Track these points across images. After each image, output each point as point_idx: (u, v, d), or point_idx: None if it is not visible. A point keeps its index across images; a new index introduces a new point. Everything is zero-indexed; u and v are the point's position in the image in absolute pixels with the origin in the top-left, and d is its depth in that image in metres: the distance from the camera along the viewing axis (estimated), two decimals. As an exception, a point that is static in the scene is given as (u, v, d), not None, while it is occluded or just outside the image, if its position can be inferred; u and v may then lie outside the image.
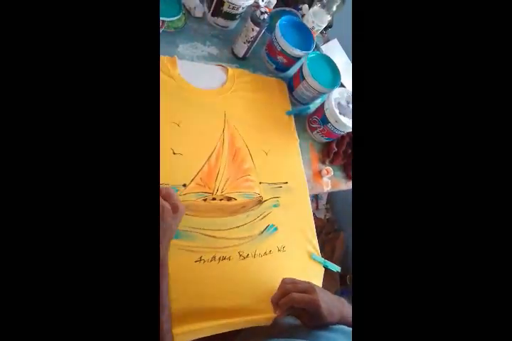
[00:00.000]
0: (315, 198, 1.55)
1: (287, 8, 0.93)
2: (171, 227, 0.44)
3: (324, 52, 0.92)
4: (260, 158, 0.73)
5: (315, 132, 0.82)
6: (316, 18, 0.88)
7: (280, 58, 0.81)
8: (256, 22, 0.75)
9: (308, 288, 0.53)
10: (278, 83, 0.86)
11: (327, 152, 0.83)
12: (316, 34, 0.91)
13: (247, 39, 0.78)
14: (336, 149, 0.82)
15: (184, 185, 0.62)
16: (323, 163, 0.83)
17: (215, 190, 0.64)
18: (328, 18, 0.89)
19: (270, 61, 0.85)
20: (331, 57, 0.83)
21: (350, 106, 0.77)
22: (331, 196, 1.59)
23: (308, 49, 0.80)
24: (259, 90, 0.81)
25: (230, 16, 0.82)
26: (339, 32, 1.03)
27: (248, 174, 0.69)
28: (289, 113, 0.83)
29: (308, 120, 0.85)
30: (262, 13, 0.74)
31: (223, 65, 0.80)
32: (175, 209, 0.44)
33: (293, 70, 0.87)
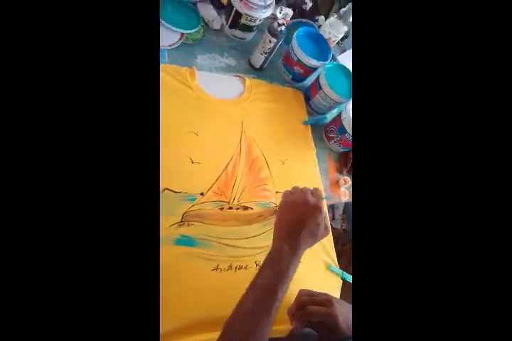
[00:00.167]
0: (331, 208, 1.53)
1: (304, 20, 0.94)
2: (319, 238, 0.53)
3: (341, 63, 0.92)
4: (277, 168, 0.73)
5: (332, 141, 0.82)
6: (332, 29, 0.89)
7: (297, 69, 0.82)
8: (273, 33, 0.76)
9: (325, 301, 0.51)
10: (294, 93, 0.86)
11: (344, 161, 0.82)
12: (332, 44, 0.91)
13: (264, 50, 0.79)
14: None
15: (201, 194, 0.62)
16: (341, 172, 0.82)
17: (232, 199, 0.64)
18: (345, 28, 0.89)
19: (287, 71, 0.85)
20: (348, 67, 0.83)
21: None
22: (348, 206, 1.57)
23: (325, 59, 0.80)
24: (275, 100, 0.82)
25: (248, 28, 0.83)
26: (356, 42, 1.03)
27: (265, 183, 0.69)
28: (305, 122, 0.83)
29: (325, 129, 0.84)
30: (279, 25, 0.75)
31: (241, 75, 0.82)
32: (327, 227, 0.54)
33: (309, 80, 0.87)
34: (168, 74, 0.71)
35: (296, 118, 0.82)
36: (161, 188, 0.59)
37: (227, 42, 0.85)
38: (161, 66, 0.72)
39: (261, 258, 0.60)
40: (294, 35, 0.79)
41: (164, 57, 0.74)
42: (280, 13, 0.78)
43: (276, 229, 0.53)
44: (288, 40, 0.83)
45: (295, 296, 0.54)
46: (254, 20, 0.80)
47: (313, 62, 0.79)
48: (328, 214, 0.54)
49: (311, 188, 0.56)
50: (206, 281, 0.55)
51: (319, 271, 0.67)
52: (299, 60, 0.79)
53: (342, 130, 0.77)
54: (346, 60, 0.99)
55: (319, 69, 0.82)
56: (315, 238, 0.52)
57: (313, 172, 0.78)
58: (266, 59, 0.82)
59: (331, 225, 0.81)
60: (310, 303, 0.51)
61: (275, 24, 0.75)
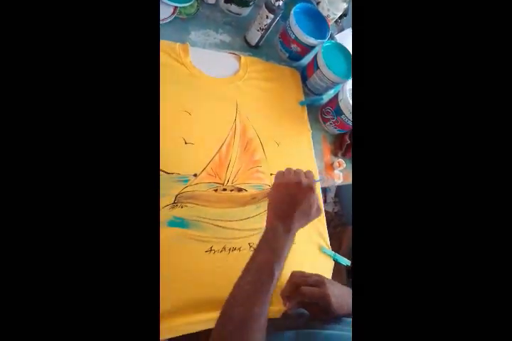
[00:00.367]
0: (323, 191, 1.54)
1: (302, -5, 0.90)
2: (312, 218, 0.53)
3: (338, 42, 0.90)
4: (272, 149, 0.71)
5: (328, 123, 0.81)
6: (331, 6, 0.86)
7: (294, 47, 0.79)
8: (271, 9, 0.73)
9: (318, 282, 0.52)
10: (291, 72, 0.84)
11: (339, 144, 0.81)
12: (330, 22, 0.88)
13: (260, 27, 0.76)
14: (349, 141, 0.80)
15: (195, 175, 0.61)
16: (336, 155, 0.82)
17: (226, 181, 0.63)
18: (344, 5, 0.86)
19: (283, 49, 0.83)
20: (346, 47, 0.81)
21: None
22: (340, 189, 1.58)
23: (323, 37, 0.78)
24: (272, 79, 0.79)
25: (244, 3, 0.80)
26: (354, 21, 1.00)
27: (259, 165, 0.68)
28: (302, 103, 0.81)
29: (321, 111, 0.83)
30: (277, 0, 0.72)
31: (236, 53, 0.79)
32: (319, 208, 0.54)
33: (307, 59, 0.85)
34: (161, 50, 0.68)
35: (292, 99, 0.80)
36: (154, 169, 0.58)
37: (222, 17, 0.82)
38: (153, 41, 0.68)
39: (254, 240, 0.60)
40: (292, 12, 0.76)
41: (156, 31, 0.71)
42: (278, -13, 0.74)
43: (269, 210, 0.53)
44: (285, 17, 0.79)
45: (288, 278, 0.54)
46: (251, -5, 0.77)
47: (311, 40, 0.76)
48: (320, 196, 0.54)
49: (305, 171, 0.56)
50: (200, 263, 0.54)
51: (312, 253, 0.67)
52: (296, 37, 0.77)
53: (338, 111, 0.75)
54: (344, 39, 0.97)
55: (317, 48, 0.79)
56: (307, 218, 0.52)
57: (308, 154, 0.77)
58: (262, 36, 0.79)
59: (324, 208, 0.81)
60: (303, 284, 0.51)
61: (273, -1, 0.72)
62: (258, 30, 0.77)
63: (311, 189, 0.52)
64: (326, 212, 1.51)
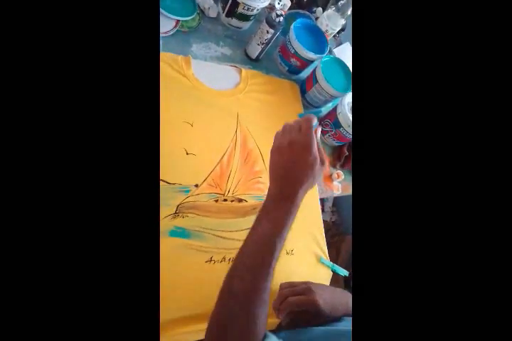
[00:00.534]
0: (321, 200, 1.55)
1: (301, 11, 0.93)
2: (315, 177, 0.47)
3: (337, 56, 0.92)
4: (271, 160, 0.72)
5: (326, 135, 0.82)
6: (330, 22, 0.88)
7: (293, 61, 0.81)
8: (271, 24, 0.75)
9: (304, 290, 0.52)
10: (291, 85, 0.86)
11: (338, 156, 0.83)
12: (329, 37, 0.91)
13: (261, 41, 0.78)
14: (348, 153, 0.82)
15: (196, 186, 0.62)
16: (334, 166, 0.83)
17: (227, 192, 0.64)
18: (343, 21, 0.89)
19: (283, 63, 0.85)
20: (344, 61, 0.83)
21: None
22: (338, 199, 1.59)
23: (322, 52, 0.80)
24: (272, 92, 0.81)
25: (244, 17, 0.82)
26: (352, 36, 1.03)
27: (259, 176, 0.69)
28: (301, 115, 0.82)
29: (319, 123, 0.84)
30: (277, 15, 0.74)
31: (237, 65, 0.81)
32: (322, 161, 0.47)
33: (306, 73, 0.87)
34: (164, 62, 0.69)
35: (291, 111, 0.82)
36: (156, 179, 0.58)
37: (223, 30, 0.84)
38: (156, 53, 0.70)
39: (254, 250, 0.61)
40: (292, 27, 0.78)
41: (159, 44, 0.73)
42: (279, 3, 0.77)
43: (270, 178, 0.49)
44: (285, 31, 0.82)
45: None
46: (252, 10, 0.79)
47: (310, 55, 0.78)
48: (321, 147, 0.48)
49: (300, 121, 0.51)
50: (200, 273, 0.55)
51: (310, 263, 0.68)
52: (295, 52, 0.79)
53: (337, 124, 0.77)
54: (342, 52, 0.99)
55: (316, 62, 0.81)
56: (312, 178, 0.47)
57: (306, 165, 0.78)
58: (262, 50, 0.81)
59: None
60: (290, 295, 0.51)
61: (273, 14, 0.74)
62: (258, 44, 0.79)
63: (307, 145, 0.46)
64: (324, 222, 1.52)
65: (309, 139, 0.47)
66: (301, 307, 0.50)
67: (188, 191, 0.60)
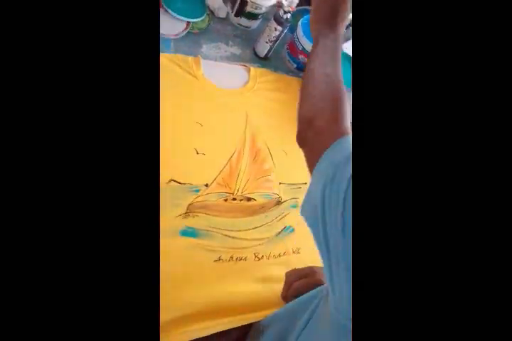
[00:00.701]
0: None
1: (309, 7, 0.92)
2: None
3: (345, 51, 0.91)
4: (280, 159, 0.73)
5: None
6: (339, 16, 0.87)
7: (302, 57, 0.81)
8: (279, 21, 0.75)
9: (308, 272, 0.53)
10: (299, 83, 0.85)
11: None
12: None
13: (269, 39, 0.78)
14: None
15: (206, 185, 0.64)
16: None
17: (236, 190, 0.66)
18: (349, 17, 0.87)
19: (291, 60, 0.85)
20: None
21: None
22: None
23: None
24: (280, 90, 0.81)
25: (253, 16, 0.82)
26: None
27: (268, 174, 0.71)
28: (310, 113, 0.83)
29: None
30: (285, 12, 0.74)
31: (246, 64, 0.81)
32: None
33: (315, 69, 0.86)
34: (175, 64, 0.71)
35: (300, 109, 0.82)
36: (167, 179, 0.60)
37: (232, 30, 0.84)
38: (169, 55, 0.72)
39: (260, 249, 0.62)
40: (300, 23, 0.78)
41: (170, 46, 0.74)
42: (286, 0, 0.76)
43: (311, 17, 0.53)
44: (293, 28, 0.81)
45: None
46: (260, 8, 0.79)
47: (318, 52, 0.78)
48: None
49: None
50: (209, 272, 0.57)
51: (316, 264, 0.68)
52: (304, 48, 0.79)
53: (346, 120, 0.77)
54: (350, 48, 0.97)
55: (325, 59, 0.81)
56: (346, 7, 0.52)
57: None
58: (271, 47, 0.81)
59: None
60: (295, 279, 0.53)
61: (281, 11, 0.74)
62: (267, 42, 0.80)
63: None
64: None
65: None
66: (307, 290, 0.50)
67: (198, 190, 0.62)
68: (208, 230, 0.60)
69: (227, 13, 0.84)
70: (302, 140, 0.44)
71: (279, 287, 0.56)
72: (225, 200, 0.64)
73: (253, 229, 0.64)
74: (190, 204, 0.61)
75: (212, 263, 0.58)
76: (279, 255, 0.64)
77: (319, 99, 0.43)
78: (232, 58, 0.82)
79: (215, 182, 0.65)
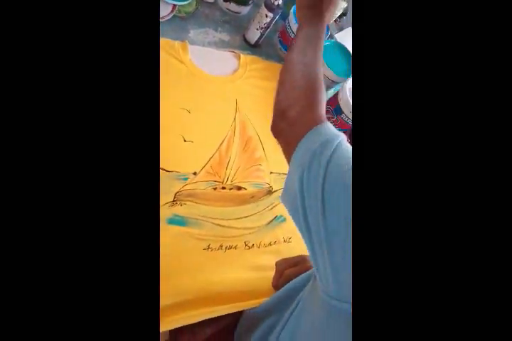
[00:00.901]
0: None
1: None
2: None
3: (338, 41, 0.90)
4: (271, 148, 0.71)
5: (327, 122, 0.81)
6: (331, 5, 0.86)
7: (293, 46, 0.79)
8: (270, 8, 0.73)
9: (299, 260, 0.53)
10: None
11: (339, 143, 0.81)
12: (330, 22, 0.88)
13: (260, 25, 0.76)
14: (349, 141, 0.80)
15: (194, 173, 0.61)
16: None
17: (225, 179, 0.63)
18: (344, 4, 0.86)
19: (283, 48, 0.83)
20: (345, 46, 0.81)
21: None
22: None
23: (323, 36, 0.78)
24: (271, 78, 0.79)
25: (243, 1, 0.80)
26: (353, 20, 1.01)
27: (259, 163, 0.68)
28: (301, 102, 0.81)
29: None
30: (276, -2, 0.72)
31: (235, 51, 0.79)
32: None
33: (306, 59, 0.85)
34: (160, 48, 0.68)
35: (291, 98, 0.80)
36: (153, 167, 0.57)
37: (221, 16, 0.82)
38: (153, 39, 0.68)
39: (250, 238, 0.61)
40: (292, 10, 0.76)
41: (155, 30, 0.71)
42: (277, -15, 0.74)
43: (297, 14, 0.52)
44: (285, 15, 0.79)
45: None
46: (250, -7, 0.77)
47: (310, 39, 0.76)
48: None
49: None
50: (198, 260, 0.54)
51: (306, 252, 0.67)
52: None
53: (338, 110, 0.75)
54: (344, 38, 0.96)
55: (316, 47, 0.79)
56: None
57: (307, 153, 0.77)
58: (262, 35, 0.79)
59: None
60: (286, 268, 0.52)
61: (272, -3, 0.72)
62: (257, 29, 0.77)
63: None
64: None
65: None
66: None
67: (186, 179, 0.60)
68: (196, 218, 0.57)
69: (216, -3, 0.81)
70: (276, 131, 0.43)
71: (269, 275, 0.54)
72: (214, 189, 0.61)
73: (243, 218, 0.62)
74: (177, 192, 0.58)
75: (201, 252, 0.55)
76: (270, 244, 0.62)
77: (293, 89, 0.43)
78: (221, 44, 0.79)
79: (203, 170, 0.62)
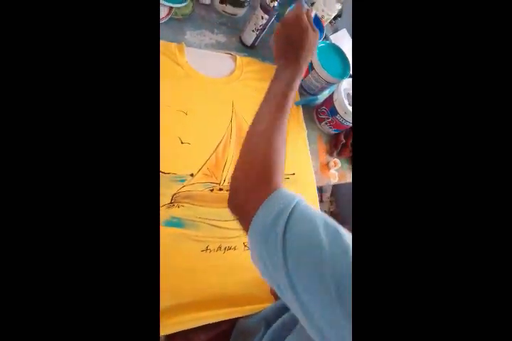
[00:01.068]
0: (319, 190, 1.54)
1: (297, -4, 0.91)
2: (311, 41, 0.53)
3: (333, 42, 0.90)
4: (267, 149, 0.72)
5: (323, 123, 0.81)
6: (326, 7, 0.86)
7: (289, 47, 0.80)
8: (266, 10, 0.73)
9: None
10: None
11: (335, 144, 0.82)
12: (325, 23, 0.89)
13: (256, 27, 0.77)
14: (344, 141, 0.81)
15: (191, 175, 0.61)
16: (331, 154, 0.82)
17: (222, 181, 0.64)
18: (339, 6, 0.87)
19: (279, 50, 0.83)
20: (340, 47, 0.81)
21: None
22: (336, 189, 1.59)
23: (318, 38, 0.78)
24: (267, 79, 0.78)
25: (239, 3, 0.80)
26: (348, 22, 1.01)
27: (255, 165, 0.69)
28: (297, 103, 0.81)
29: (316, 111, 0.83)
30: (272, 0, 0.72)
31: (232, 53, 0.79)
32: (313, 29, 0.54)
33: (302, 60, 0.85)
34: None
35: (287, 99, 0.81)
36: (150, 169, 0.58)
37: (218, 18, 0.82)
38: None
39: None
40: (287, 12, 0.76)
41: (152, 32, 0.71)
42: (273, -12, 0.75)
43: (275, 59, 0.55)
44: (280, 17, 0.80)
45: None
46: (246, -5, 0.77)
47: (306, 41, 0.76)
48: (311, 24, 0.55)
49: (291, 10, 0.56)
50: (196, 262, 0.55)
51: None
52: (291, 38, 0.77)
53: (333, 111, 0.76)
54: (339, 40, 0.97)
55: (312, 49, 0.80)
56: (309, 42, 0.53)
57: (303, 153, 0.77)
58: (258, 36, 0.79)
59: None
60: None
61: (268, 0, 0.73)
62: (253, 31, 0.78)
63: (298, 18, 0.53)
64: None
65: (298, 12, 0.53)
66: None
67: (183, 180, 0.60)
68: (194, 220, 0.57)
69: (212, -1, 0.81)
70: (231, 207, 0.41)
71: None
72: (211, 190, 0.62)
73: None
74: (174, 194, 0.58)
75: (199, 253, 0.56)
76: None
77: (245, 164, 0.42)
78: (217, 46, 0.79)
79: (200, 172, 0.62)
